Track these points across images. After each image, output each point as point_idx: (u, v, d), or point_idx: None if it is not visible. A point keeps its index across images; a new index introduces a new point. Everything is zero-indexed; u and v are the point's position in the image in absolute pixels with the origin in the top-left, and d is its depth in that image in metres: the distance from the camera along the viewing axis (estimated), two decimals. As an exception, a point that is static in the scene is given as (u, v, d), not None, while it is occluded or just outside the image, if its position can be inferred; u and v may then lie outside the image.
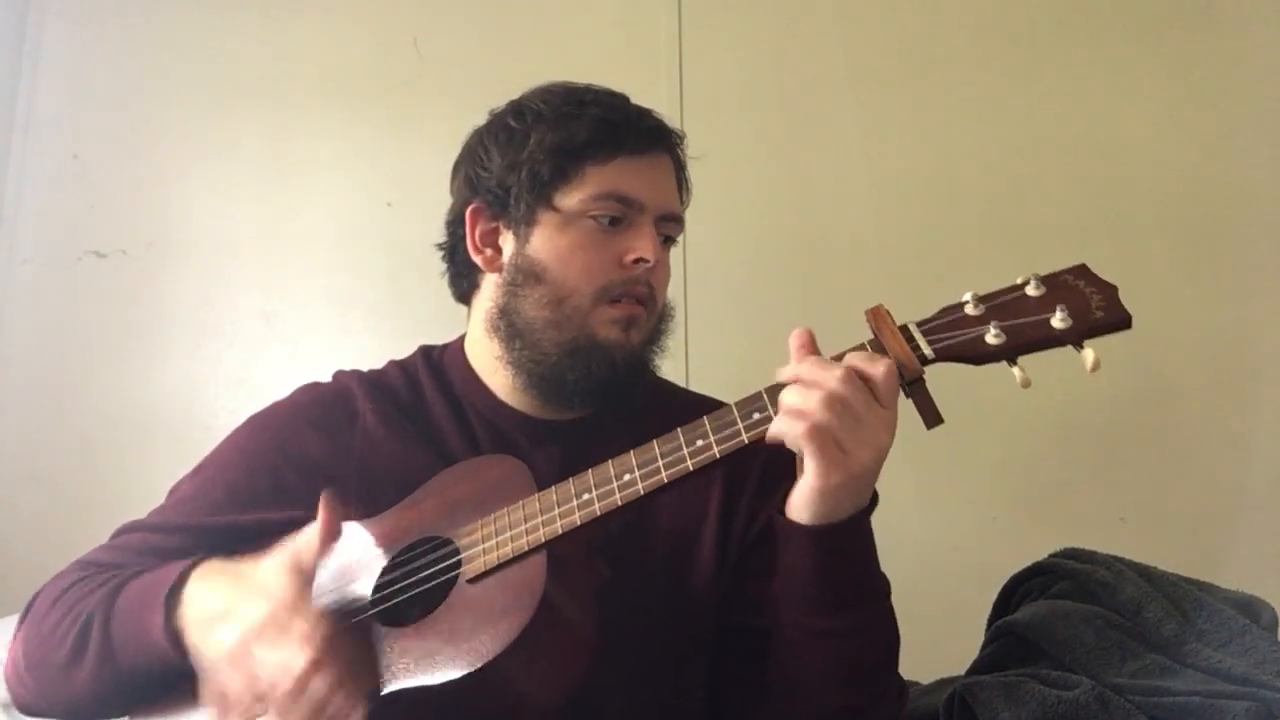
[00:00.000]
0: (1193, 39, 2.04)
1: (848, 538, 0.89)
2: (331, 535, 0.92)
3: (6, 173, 2.39)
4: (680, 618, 1.05)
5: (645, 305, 1.08)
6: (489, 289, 1.12)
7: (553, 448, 1.09)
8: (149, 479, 1.13)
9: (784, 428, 0.84)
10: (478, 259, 1.12)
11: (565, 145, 1.07)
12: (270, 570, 0.89)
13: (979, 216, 2.05)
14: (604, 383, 1.06)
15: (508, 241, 1.10)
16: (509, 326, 1.08)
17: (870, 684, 0.96)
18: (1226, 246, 1.96)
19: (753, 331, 2.06)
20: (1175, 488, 1.90)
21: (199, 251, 2.30)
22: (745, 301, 2.09)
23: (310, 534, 0.91)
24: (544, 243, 1.07)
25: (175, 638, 0.91)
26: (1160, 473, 1.91)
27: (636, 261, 1.06)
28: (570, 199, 1.06)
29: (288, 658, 0.83)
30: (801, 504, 0.87)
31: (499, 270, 1.10)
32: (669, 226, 1.11)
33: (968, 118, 2.09)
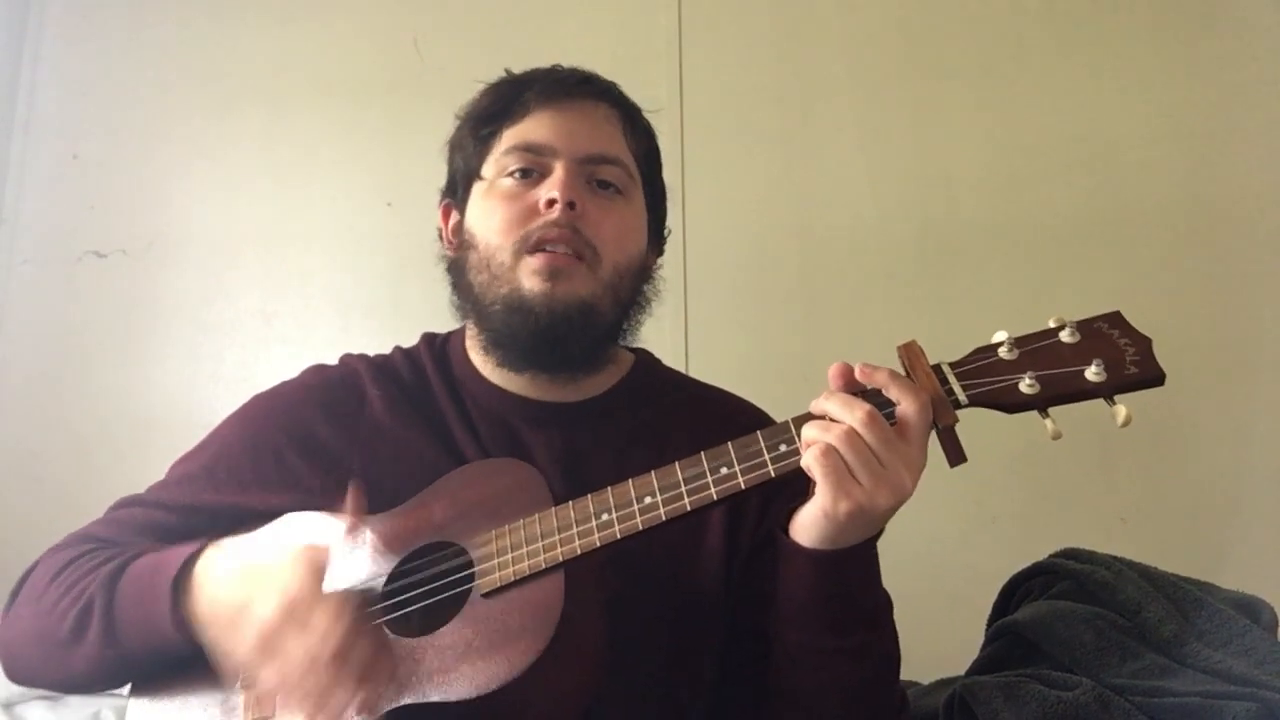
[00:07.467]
0: (1192, 40, 2.04)
1: (848, 565, 0.88)
2: (356, 526, 0.92)
3: (6, 173, 2.39)
4: (686, 620, 1.03)
5: (581, 256, 1.04)
6: None
7: (552, 430, 1.08)
8: (149, 479, 1.13)
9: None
10: (449, 251, 1.14)
11: (481, 116, 1.12)
12: (285, 563, 0.88)
13: (979, 216, 2.04)
14: (537, 338, 1.03)
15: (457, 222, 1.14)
16: (464, 300, 1.11)
17: (868, 701, 0.95)
18: (1226, 246, 1.95)
19: (752, 329, 2.06)
20: (1175, 488, 1.90)
21: (199, 251, 2.30)
22: (745, 299, 2.09)
23: (325, 529, 0.91)
24: (473, 211, 1.10)
25: (183, 625, 0.91)
26: (1160, 473, 1.91)
27: (550, 204, 1.04)
28: (489, 164, 1.10)
29: (313, 650, 0.83)
30: (806, 525, 0.87)
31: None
32: (603, 169, 1.08)
33: (967, 117, 2.09)
